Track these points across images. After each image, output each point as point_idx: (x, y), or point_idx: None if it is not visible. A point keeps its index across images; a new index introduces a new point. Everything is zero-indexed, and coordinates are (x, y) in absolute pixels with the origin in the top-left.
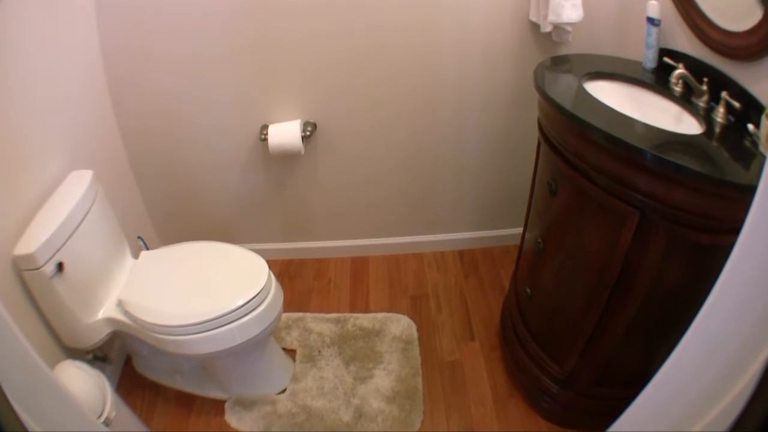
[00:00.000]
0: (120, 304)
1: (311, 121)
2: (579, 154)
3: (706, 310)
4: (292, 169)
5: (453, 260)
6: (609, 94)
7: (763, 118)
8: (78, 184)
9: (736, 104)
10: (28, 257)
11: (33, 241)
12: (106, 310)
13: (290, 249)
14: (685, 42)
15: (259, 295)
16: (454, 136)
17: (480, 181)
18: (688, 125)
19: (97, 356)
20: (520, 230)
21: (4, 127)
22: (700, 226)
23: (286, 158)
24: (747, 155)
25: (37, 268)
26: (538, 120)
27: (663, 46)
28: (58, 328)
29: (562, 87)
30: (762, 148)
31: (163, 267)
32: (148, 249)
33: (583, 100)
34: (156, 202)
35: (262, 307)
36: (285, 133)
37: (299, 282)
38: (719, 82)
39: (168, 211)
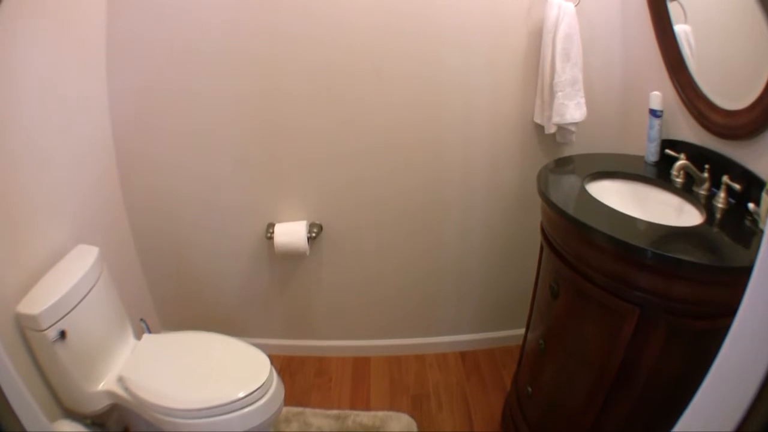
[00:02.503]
0: (121, 380)
1: (317, 222)
2: (580, 257)
3: (700, 396)
4: (297, 267)
5: (455, 361)
6: (611, 193)
7: (764, 194)
8: (84, 258)
9: (737, 186)
10: (32, 318)
11: (38, 303)
12: (107, 383)
13: (292, 346)
14: (687, 130)
15: (260, 389)
16: (458, 238)
17: (483, 283)
18: (690, 216)
19: (95, 422)
20: (521, 331)
21: (12, 192)
22: (701, 313)
23: (291, 257)
24: (747, 235)
25: (40, 331)
26: (541, 224)
27: (665, 137)
28: (58, 389)
29: (564, 190)
30: (762, 225)
31: (166, 351)
32: (150, 332)
33: (585, 202)
34: (159, 285)
35: (262, 401)
36: (291, 233)
37: (300, 378)
38: (720, 167)
39: (171, 296)
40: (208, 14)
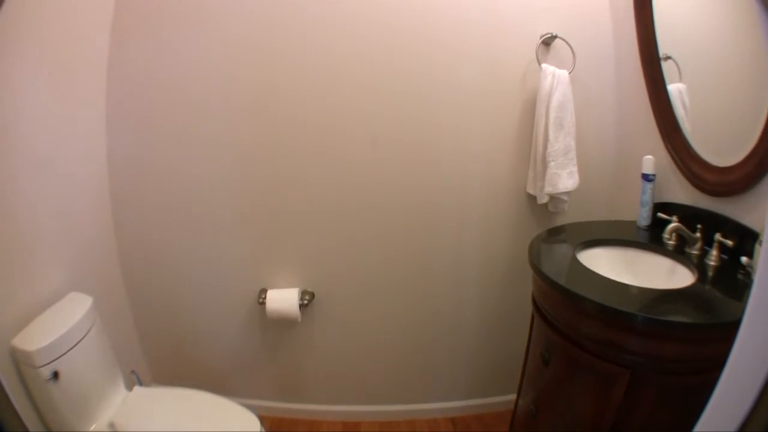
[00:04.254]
0: (112, 425)
1: (309, 290)
2: (571, 325)
3: None
4: (288, 333)
5: (446, 426)
6: (603, 260)
7: (757, 245)
8: (78, 305)
9: (729, 242)
10: (28, 354)
11: (33, 341)
12: (98, 426)
13: (282, 408)
14: (680, 192)
15: None
16: (451, 306)
17: (475, 350)
18: (682, 276)
19: None
20: (512, 396)
21: (10, 236)
22: (692, 370)
23: (283, 323)
24: (740, 289)
25: (35, 368)
26: (532, 294)
27: (657, 200)
28: (51, 425)
29: (556, 260)
30: (755, 277)
31: (157, 405)
32: (141, 384)
33: (576, 271)
34: (151, 338)
35: None
36: (283, 300)
37: None
38: (713, 224)
39: (162, 350)
40: (208, 76)
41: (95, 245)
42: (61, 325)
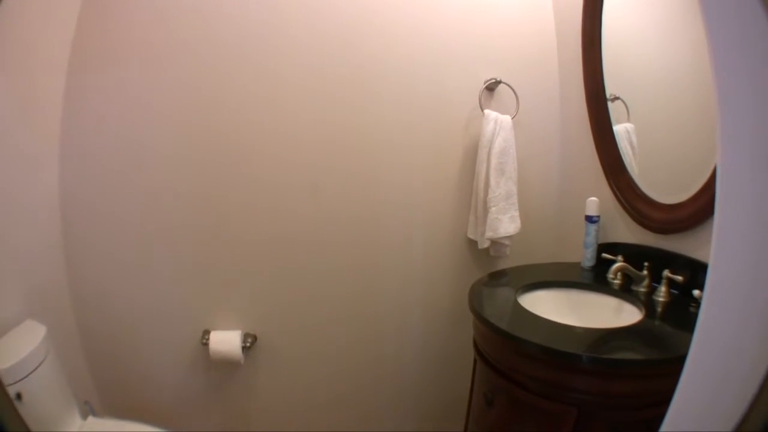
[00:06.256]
0: None
1: (252, 333)
2: (514, 367)
3: None
4: (232, 375)
5: None
6: (546, 302)
7: None
8: (35, 332)
9: (680, 278)
10: None
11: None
12: None
13: None
14: (626, 231)
15: None
16: (395, 351)
17: (419, 393)
18: (629, 314)
19: None
20: None
21: None
22: (643, 404)
23: (227, 364)
24: (691, 322)
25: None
26: (474, 338)
27: (603, 240)
28: None
29: (497, 304)
30: (702, 305)
31: None
32: (95, 414)
33: (518, 314)
34: (102, 370)
35: None
36: (225, 341)
37: None
38: (661, 262)
39: (113, 383)
40: (153, 122)
41: (47, 277)
42: (23, 348)
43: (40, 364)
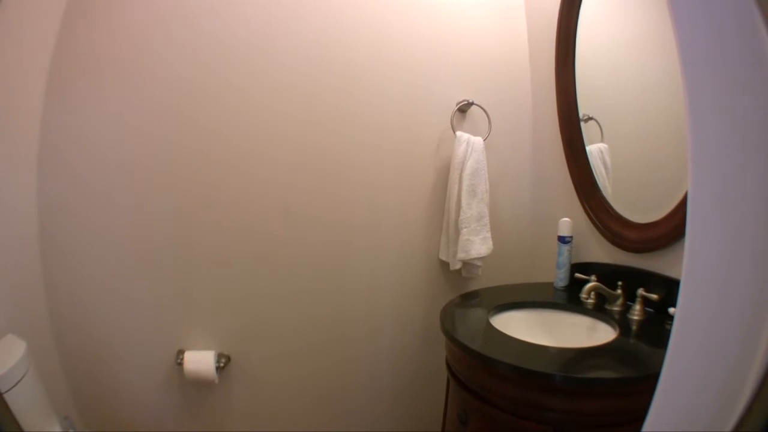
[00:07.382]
0: None
1: (225, 353)
2: (487, 388)
3: None
4: (207, 395)
5: None
6: (518, 322)
7: None
8: (14, 348)
9: (654, 296)
10: None
11: None
12: None
13: None
14: (599, 251)
15: None
16: (367, 376)
17: (393, 419)
18: (603, 333)
19: None
20: None
21: None
22: (619, 422)
23: (202, 384)
24: (667, 338)
25: None
26: (446, 359)
27: (576, 260)
28: None
29: (469, 325)
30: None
31: None
32: (75, 430)
33: (490, 335)
34: (81, 387)
35: None
36: (199, 362)
37: None
38: (635, 281)
39: (92, 399)
40: (128, 141)
41: (25, 293)
42: (4, 362)
43: (21, 379)
